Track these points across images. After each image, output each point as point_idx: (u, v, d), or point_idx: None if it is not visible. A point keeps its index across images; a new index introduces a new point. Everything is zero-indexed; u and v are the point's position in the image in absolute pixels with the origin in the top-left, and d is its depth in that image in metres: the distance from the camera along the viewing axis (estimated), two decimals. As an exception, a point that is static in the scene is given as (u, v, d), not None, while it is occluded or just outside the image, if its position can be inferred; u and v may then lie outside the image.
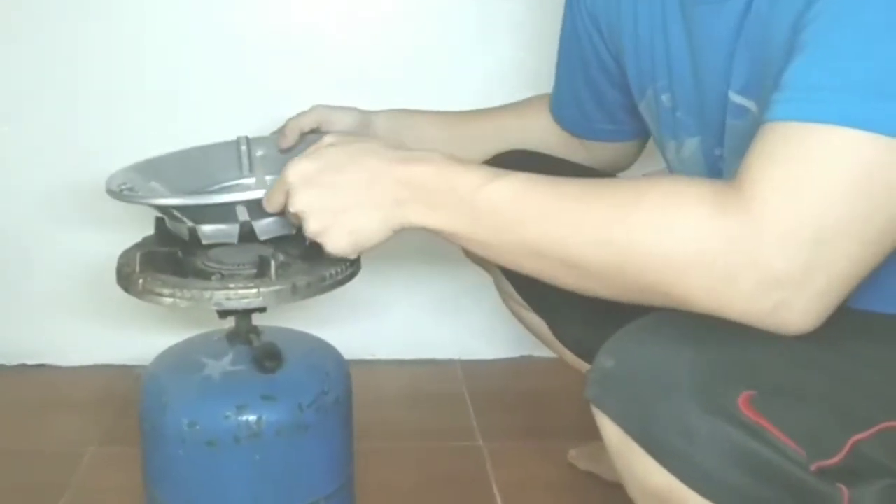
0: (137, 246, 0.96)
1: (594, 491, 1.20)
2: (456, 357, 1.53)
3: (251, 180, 1.12)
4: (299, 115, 1.11)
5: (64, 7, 1.36)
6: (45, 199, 1.42)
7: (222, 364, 0.94)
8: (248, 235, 0.91)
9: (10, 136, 1.41)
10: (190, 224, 0.92)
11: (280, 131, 1.11)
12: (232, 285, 0.85)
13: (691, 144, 0.87)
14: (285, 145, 1.10)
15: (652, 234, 0.65)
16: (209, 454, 0.90)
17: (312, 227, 0.77)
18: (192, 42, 1.39)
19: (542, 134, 1.14)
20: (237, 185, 1.11)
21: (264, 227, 0.90)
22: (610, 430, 0.67)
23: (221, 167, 1.11)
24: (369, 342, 1.50)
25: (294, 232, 0.89)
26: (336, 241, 0.78)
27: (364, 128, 1.11)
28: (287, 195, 0.78)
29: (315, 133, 1.10)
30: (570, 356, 1.11)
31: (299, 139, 1.10)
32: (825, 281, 0.63)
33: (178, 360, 0.97)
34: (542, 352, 1.46)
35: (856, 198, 0.61)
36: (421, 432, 1.34)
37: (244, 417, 0.90)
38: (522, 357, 1.53)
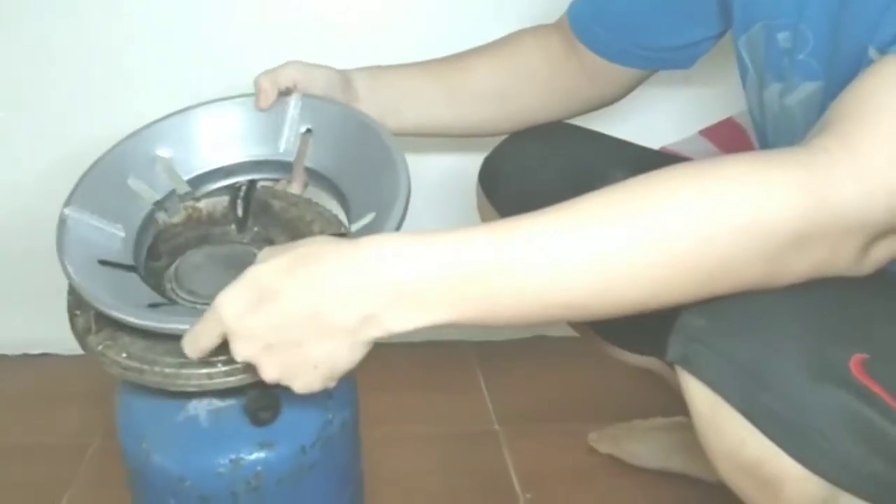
0: None
1: (616, 474, 1.16)
2: (468, 339, 1.49)
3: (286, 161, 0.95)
4: (273, 70, 0.98)
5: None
6: (46, 186, 1.37)
7: (208, 397, 0.81)
8: None
9: (9, 121, 1.36)
10: None
11: (256, 91, 0.97)
12: (209, 368, 0.72)
13: (809, 88, 0.79)
14: (265, 105, 0.96)
15: (749, 211, 0.58)
16: None
17: (269, 376, 0.65)
18: (188, 38, 1.33)
19: (535, 67, 1.05)
20: (266, 161, 0.96)
21: None
22: (699, 395, 0.62)
23: (258, 134, 0.95)
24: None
25: None
26: (303, 384, 0.65)
27: (343, 88, 1.00)
28: (222, 337, 0.65)
29: (288, 93, 0.97)
30: (593, 337, 1.08)
31: (278, 98, 0.97)
32: None
33: (156, 391, 0.81)
34: (557, 331, 1.43)
35: None
36: (435, 417, 1.30)
37: (241, 472, 0.78)
38: (536, 337, 1.49)
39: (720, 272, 0.59)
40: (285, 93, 0.97)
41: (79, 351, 0.83)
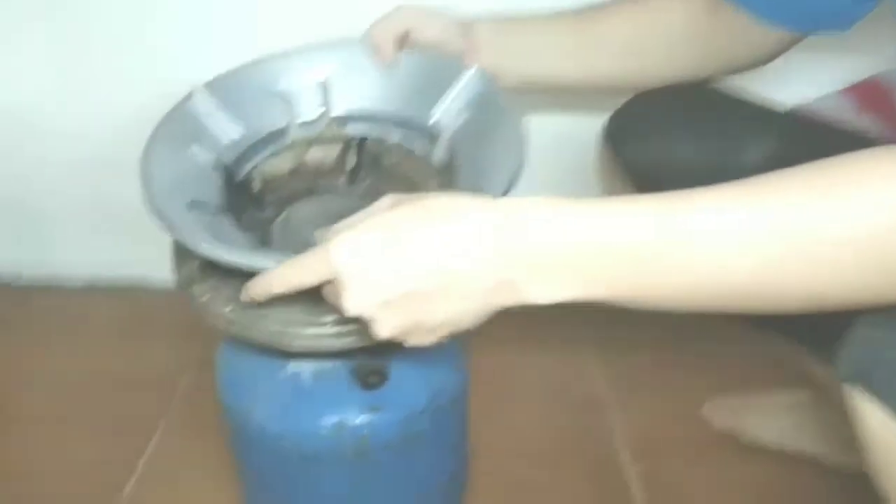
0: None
1: (734, 451, 1.07)
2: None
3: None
4: (384, 19, 0.92)
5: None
6: (143, 115, 1.34)
7: (311, 359, 0.77)
8: None
9: (111, 54, 1.31)
10: None
11: (372, 46, 0.92)
12: (317, 329, 0.67)
13: None
14: (387, 60, 0.91)
15: None
16: (305, 467, 0.77)
17: (383, 334, 0.58)
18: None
19: (675, 22, 0.95)
20: (411, 124, 0.89)
21: None
22: (876, 419, 0.53)
23: (416, 94, 0.89)
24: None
25: None
26: (417, 341, 0.60)
27: (462, 35, 0.93)
28: (322, 281, 0.59)
29: (404, 40, 0.92)
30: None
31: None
32: None
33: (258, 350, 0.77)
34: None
35: None
36: (540, 381, 1.23)
37: (346, 436, 0.74)
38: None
39: None
40: (401, 40, 0.92)
41: (172, 285, 0.79)
